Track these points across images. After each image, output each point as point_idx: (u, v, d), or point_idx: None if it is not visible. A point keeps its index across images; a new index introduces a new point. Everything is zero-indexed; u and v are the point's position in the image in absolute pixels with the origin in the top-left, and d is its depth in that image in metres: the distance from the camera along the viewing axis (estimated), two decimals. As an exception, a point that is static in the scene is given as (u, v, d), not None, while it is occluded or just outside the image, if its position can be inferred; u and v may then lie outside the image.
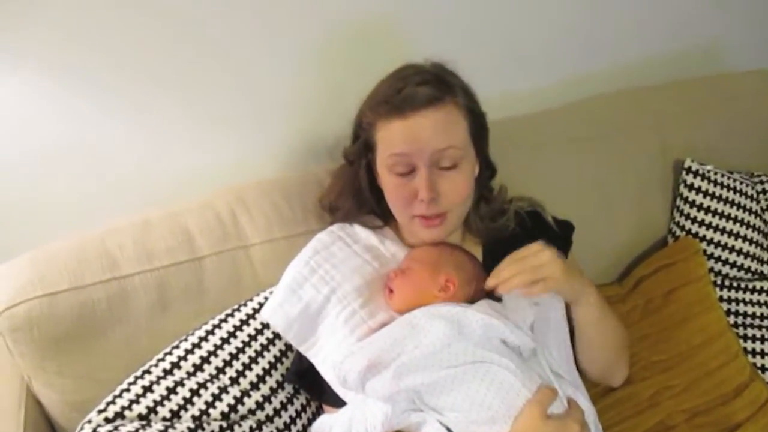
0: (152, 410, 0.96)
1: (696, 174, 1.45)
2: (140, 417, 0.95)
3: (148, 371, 1.02)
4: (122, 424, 0.92)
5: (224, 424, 0.98)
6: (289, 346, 1.10)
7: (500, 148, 1.16)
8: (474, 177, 1.09)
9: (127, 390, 0.99)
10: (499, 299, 1.03)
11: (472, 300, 1.02)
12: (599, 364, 1.07)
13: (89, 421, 0.94)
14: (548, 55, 1.63)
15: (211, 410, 0.99)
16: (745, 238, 1.44)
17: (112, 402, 0.97)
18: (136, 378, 1.01)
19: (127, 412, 0.95)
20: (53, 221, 1.24)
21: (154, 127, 1.28)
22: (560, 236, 1.17)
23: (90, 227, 1.16)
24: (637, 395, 1.28)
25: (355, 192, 1.14)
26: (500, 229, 1.14)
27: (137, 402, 0.97)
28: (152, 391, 0.99)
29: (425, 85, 1.00)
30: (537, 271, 0.96)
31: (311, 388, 1.07)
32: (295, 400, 1.07)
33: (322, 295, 1.04)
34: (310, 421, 1.07)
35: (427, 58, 1.07)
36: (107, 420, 0.94)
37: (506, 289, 0.97)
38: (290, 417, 1.06)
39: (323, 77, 1.38)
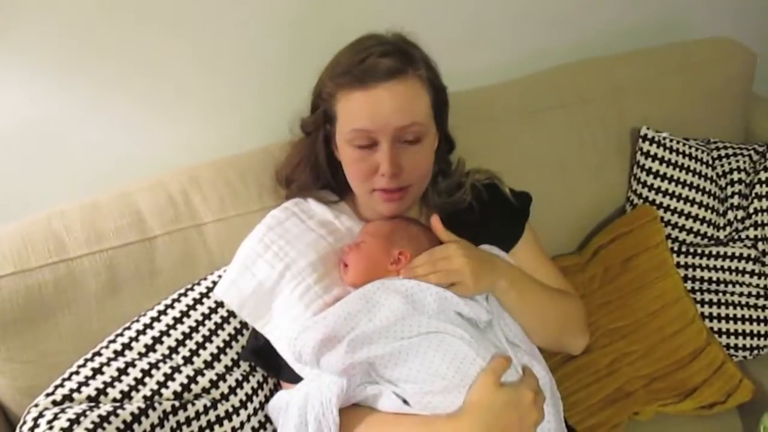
0: (102, 392, 0.95)
1: (652, 141, 1.45)
2: (89, 399, 0.94)
3: (98, 353, 1.01)
4: (69, 406, 0.91)
5: (177, 403, 0.97)
6: (243, 324, 1.09)
7: (458, 120, 1.15)
8: (434, 151, 1.08)
9: (77, 372, 0.98)
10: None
11: (427, 272, 1.02)
12: (542, 337, 1.07)
13: (36, 405, 0.93)
14: (508, 29, 1.62)
15: (163, 390, 0.98)
16: (701, 205, 1.44)
17: (61, 385, 0.96)
18: (86, 360, 1.00)
19: (75, 395, 0.94)
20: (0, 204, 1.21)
21: (106, 107, 1.25)
22: (518, 208, 1.17)
23: (40, 210, 1.13)
24: (596, 362, 1.30)
25: (311, 164, 1.12)
26: (457, 202, 1.13)
27: (86, 384, 0.95)
28: (102, 373, 0.97)
29: (388, 57, 0.98)
30: (449, 275, 0.97)
31: (268, 365, 1.07)
32: (251, 378, 1.06)
33: (277, 272, 1.02)
34: (267, 398, 1.07)
35: (388, 29, 1.05)
36: (55, 403, 0.92)
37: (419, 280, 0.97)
38: (246, 395, 1.05)
39: (280, 52, 1.36)
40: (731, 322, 1.39)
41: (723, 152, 1.54)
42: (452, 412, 0.90)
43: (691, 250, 1.45)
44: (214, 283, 1.09)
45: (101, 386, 0.95)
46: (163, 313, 1.06)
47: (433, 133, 1.06)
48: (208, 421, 1.00)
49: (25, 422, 0.90)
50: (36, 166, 1.24)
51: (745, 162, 1.51)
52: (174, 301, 1.08)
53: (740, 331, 1.39)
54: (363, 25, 1.07)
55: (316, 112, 1.08)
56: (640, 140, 1.47)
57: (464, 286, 0.97)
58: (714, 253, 1.45)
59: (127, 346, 1.01)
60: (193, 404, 0.99)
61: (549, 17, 1.66)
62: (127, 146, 1.30)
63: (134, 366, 0.99)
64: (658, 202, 1.45)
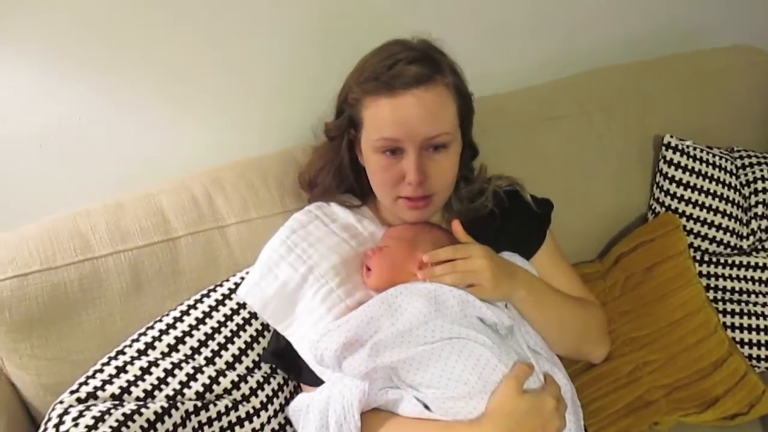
0: (126, 390, 0.96)
1: (675, 149, 1.44)
2: (113, 397, 0.94)
3: (122, 352, 1.02)
4: (94, 404, 0.91)
5: (199, 404, 0.98)
6: (265, 326, 1.09)
7: (481, 126, 1.15)
8: (459, 159, 1.07)
9: (101, 371, 0.98)
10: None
11: (450, 277, 1.02)
12: (560, 346, 1.07)
13: (61, 402, 0.93)
14: (530, 35, 1.63)
15: (185, 390, 0.98)
16: (724, 214, 1.43)
17: (85, 383, 0.96)
18: (110, 359, 1.00)
19: (99, 393, 0.95)
20: (26, 204, 1.22)
21: (131, 109, 1.26)
22: (539, 214, 1.17)
23: (63, 210, 1.15)
24: (617, 371, 1.29)
25: (335, 169, 1.13)
26: (478, 208, 1.13)
27: (110, 382, 0.96)
28: (126, 372, 0.98)
29: (415, 63, 0.98)
30: (467, 276, 0.96)
31: (288, 368, 1.07)
32: (272, 380, 1.07)
33: (299, 274, 1.03)
34: (288, 401, 1.07)
35: (413, 34, 1.06)
36: (79, 400, 0.93)
37: (434, 280, 0.96)
38: (267, 396, 1.05)
39: (304, 57, 1.36)
40: (754, 332, 1.38)
41: (747, 161, 1.53)
42: (474, 417, 0.90)
43: (714, 259, 1.44)
44: (237, 284, 1.09)
45: (125, 385, 0.96)
46: (186, 313, 1.07)
47: (459, 141, 1.06)
48: (230, 422, 1.01)
49: (50, 419, 0.91)
50: (62, 167, 1.25)
51: (769, 171, 1.50)
52: (197, 301, 1.08)
53: (763, 341, 1.38)
54: (386, 29, 1.07)
55: (341, 117, 1.08)
56: (663, 148, 1.46)
57: (482, 289, 0.96)
58: (737, 262, 1.44)
59: (150, 346, 1.02)
60: (215, 405, 0.99)
61: (570, 24, 1.66)
62: (152, 148, 1.31)
63: (157, 365, 1.00)
64: (680, 210, 1.44)
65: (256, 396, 1.04)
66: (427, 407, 0.93)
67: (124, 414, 0.89)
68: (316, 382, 1.01)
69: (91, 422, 0.87)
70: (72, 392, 0.95)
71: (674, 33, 1.80)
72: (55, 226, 1.10)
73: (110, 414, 0.88)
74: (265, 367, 1.08)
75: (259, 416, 1.03)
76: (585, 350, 1.16)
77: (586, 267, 1.43)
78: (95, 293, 1.08)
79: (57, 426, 0.88)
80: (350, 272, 1.04)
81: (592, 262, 1.46)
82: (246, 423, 1.02)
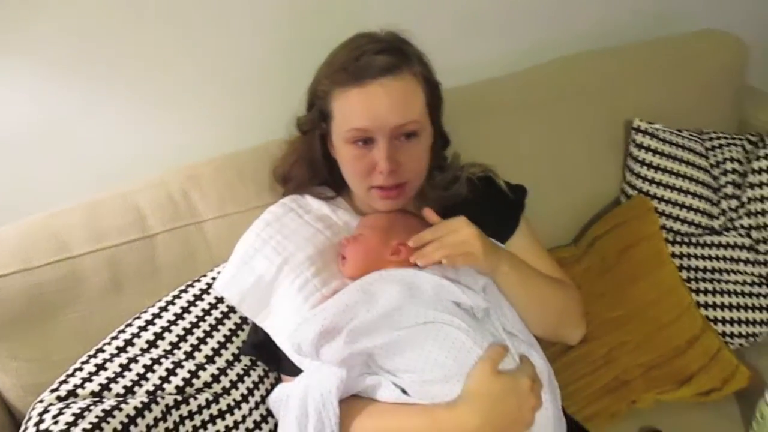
0: (105, 387, 0.96)
1: (645, 133, 1.47)
2: (93, 394, 0.95)
3: (101, 350, 1.02)
4: (74, 402, 0.92)
5: (179, 398, 0.99)
6: (244, 319, 1.10)
7: (453, 115, 1.16)
8: (430, 147, 1.09)
9: (80, 369, 0.99)
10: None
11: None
12: (541, 326, 1.08)
13: (41, 401, 0.94)
14: (501, 24, 1.64)
15: (165, 384, 0.99)
16: (695, 195, 1.46)
17: (65, 381, 0.97)
18: (89, 357, 1.01)
19: (79, 390, 0.95)
20: (1, 206, 1.23)
21: (105, 107, 1.27)
22: (513, 200, 1.18)
23: (41, 210, 1.15)
24: (593, 352, 1.31)
25: (308, 162, 1.14)
26: (453, 196, 1.14)
27: (90, 380, 0.97)
28: (105, 369, 0.99)
29: (382, 54, 1.00)
30: (458, 247, 0.97)
31: (268, 359, 1.08)
32: (252, 372, 1.08)
33: (275, 266, 1.04)
34: (269, 392, 1.08)
35: (381, 27, 1.07)
36: (59, 399, 0.94)
37: (427, 263, 0.97)
38: (247, 389, 1.06)
39: (277, 53, 1.37)
40: (726, 309, 1.40)
41: (716, 142, 1.55)
42: (451, 400, 0.91)
43: (686, 239, 1.46)
44: (214, 279, 1.10)
45: (105, 382, 0.97)
46: (165, 309, 1.07)
47: (429, 129, 1.07)
48: (210, 415, 1.01)
49: (30, 417, 0.91)
50: (36, 166, 1.26)
51: (738, 152, 1.52)
52: (175, 297, 1.09)
53: (735, 318, 1.40)
54: (358, 23, 1.08)
55: (312, 111, 1.09)
56: (633, 132, 1.48)
57: (474, 257, 0.97)
58: (709, 242, 1.46)
59: (129, 343, 1.03)
60: (195, 398, 1.00)
61: (542, 12, 1.67)
62: (127, 147, 1.32)
63: (137, 362, 1.00)
64: (652, 193, 1.46)
65: (237, 388, 1.05)
66: (404, 392, 0.94)
67: (103, 410, 0.89)
68: (295, 372, 1.02)
69: (71, 419, 0.87)
70: (52, 391, 0.95)
71: (646, 19, 1.82)
72: (32, 227, 1.10)
73: (90, 410, 0.89)
74: (245, 360, 1.09)
75: (240, 408, 1.04)
76: (563, 331, 1.18)
77: (561, 251, 1.45)
78: (73, 293, 1.08)
79: (37, 425, 0.88)
80: (326, 262, 1.05)
81: (567, 247, 1.49)
82: (227, 415, 1.03)
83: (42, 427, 0.88)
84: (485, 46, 1.63)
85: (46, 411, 0.90)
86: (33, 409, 0.93)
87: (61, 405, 0.91)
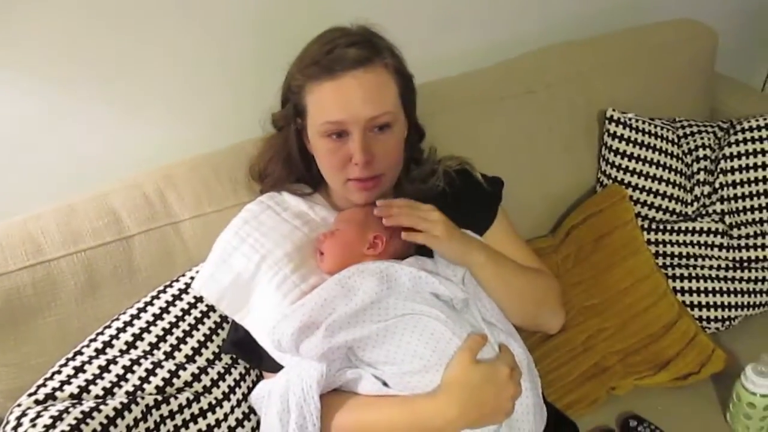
0: (84, 389, 0.96)
1: (618, 122, 1.48)
2: (72, 397, 0.94)
3: (79, 352, 1.02)
4: (52, 404, 0.91)
5: (159, 398, 0.98)
6: (224, 318, 1.10)
7: (429, 109, 1.18)
8: (404, 139, 1.09)
9: (59, 372, 0.98)
10: (430, 255, 1.05)
11: (402, 256, 1.04)
12: (519, 316, 1.09)
13: (19, 405, 0.93)
14: (476, 18, 1.65)
15: (145, 385, 0.99)
16: (668, 182, 1.48)
17: (43, 384, 0.96)
18: (68, 360, 1.00)
19: (58, 393, 0.95)
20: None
21: (77, 110, 1.26)
22: (490, 192, 1.19)
23: (14, 214, 1.13)
24: (572, 340, 1.32)
25: (284, 158, 1.14)
26: (430, 189, 1.15)
27: (68, 383, 0.96)
28: (84, 371, 0.98)
29: (354, 46, 1.00)
30: (422, 222, 1.00)
31: (249, 357, 1.08)
32: (233, 370, 1.08)
33: (253, 263, 1.04)
34: (250, 390, 1.07)
35: (352, 22, 1.07)
36: (37, 402, 0.93)
37: (390, 221, 1.00)
38: (228, 387, 1.06)
39: (248, 50, 1.37)
40: (702, 295, 1.43)
41: (688, 130, 1.57)
42: (431, 390, 0.92)
43: (661, 226, 1.48)
44: (193, 278, 1.10)
45: (83, 384, 0.96)
46: (143, 310, 1.07)
47: (402, 121, 1.08)
48: (192, 414, 1.01)
49: (8, 422, 0.90)
50: (8, 169, 1.24)
51: (710, 139, 1.55)
52: (153, 298, 1.09)
53: (711, 303, 1.42)
54: (331, 19, 1.08)
55: (286, 106, 1.09)
56: (607, 122, 1.50)
57: (438, 240, 1.00)
58: (683, 228, 1.48)
59: (108, 344, 1.02)
60: (176, 398, 1.00)
61: (513, 6, 1.69)
62: (101, 149, 1.31)
63: (116, 363, 1.00)
64: (627, 181, 1.48)
65: (218, 387, 1.05)
66: (385, 384, 0.95)
67: (82, 412, 0.89)
68: (277, 368, 1.02)
69: (49, 422, 0.87)
70: (30, 395, 0.95)
71: (619, 9, 1.84)
72: (6, 231, 1.09)
73: (68, 413, 0.88)
74: (226, 359, 1.09)
75: (221, 406, 1.04)
76: (542, 320, 1.19)
77: (539, 242, 1.46)
78: (50, 296, 1.07)
79: (15, 428, 0.88)
80: (304, 258, 1.05)
81: (544, 237, 1.50)
82: (209, 414, 1.03)
83: (20, 430, 0.87)
84: (460, 40, 1.64)
85: (24, 415, 0.90)
86: (11, 413, 0.92)
87: (39, 408, 0.90)
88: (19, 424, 0.88)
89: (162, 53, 1.29)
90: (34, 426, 0.86)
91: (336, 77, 0.99)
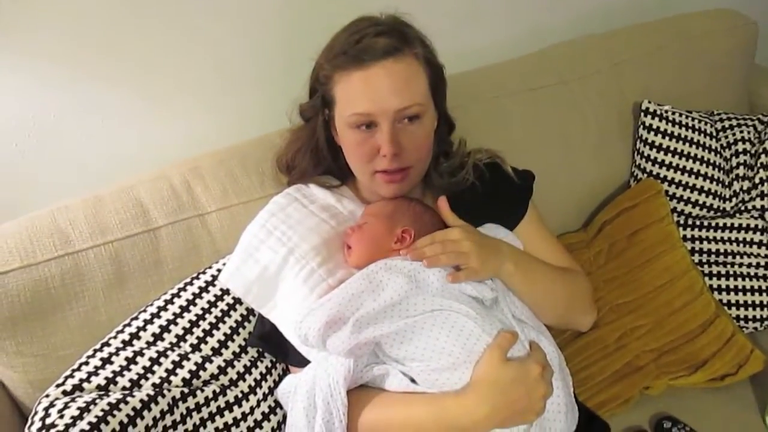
0: (111, 381, 0.96)
1: (654, 115, 1.44)
2: (99, 388, 0.94)
3: (107, 344, 1.02)
4: (79, 395, 0.91)
5: (186, 390, 0.98)
6: (250, 311, 1.09)
7: (459, 100, 1.16)
8: (434, 131, 1.07)
9: (86, 363, 0.98)
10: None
11: (429, 251, 1.02)
12: (550, 316, 1.07)
13: (47, 396, 0.93)
14: (506, 8, 1.62)
15: (172, 377, 0.98)
16: (706, 177, 1.44)
17: (71, 375, 0.96)
18: (95, 351, 1.00)
19: (85, 384, 0.95)
20: (3, 202, 1.23)
21: (106, 103, 1.26)
22: (521, 186, 1.17)
23: (43, 206, 1.14)
24: (605, 338, 1.29)
25: (312, 150, 1.12)
26: (459, 182, 1.13)
27: (96, 374, 0.96)
28: (111, 363, 0.98)
29: (383, 36, 0.98)
30: (458, 257, 0.96)
31: (275, 350, 1.07)
32: (259, 364, 1.07)
33: (280, 257, 1.03)
34: (276, 384, 1.07)
35: (381, 11, 1.05)
36: (65, 393, 0.93)
37: (434, 265, 0.96)
38: (255, 380, 1.05)
39: (275, 42, 1.36)
40: (740, 293, 1.39)
41: (727, 123, 1.53)
42: (459, 388, 0.90)
43: (698, 222, 1.44)
44: (219, 271, 1.09)
45: (110, 375, 0.96)
46: (170, 302, 1.07)
47: (432, 113, 1.06)
48: (218, 407, 1.01)
49: (36, 412, 0.91)
50: (38, 163, 1.25)
51: (749, 132, 1.50)
52: (180, 290, 1.08)
53: (749, 302, 1.38)
54: (358, 8, 1.06)
55: (314, 97, 1.08)
56: (642, 114, 1.46)
57: (472, 271, 0.96)
58: (721, 225, 1.44)
59: (135, 336, 1.02)
60: (202, 391, 1.00)
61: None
62: (130, 143, 1.32)
63: (142, 355, 1.00)
64: (662, 175, 1.44)
65: (244, 380, 1.04)
66: (413, 381, 0.93)
67: (109, 403, 0.89)
68: (303, 363, 1.01)
69: (76, 413, 0.87)
70: (58, 386, 0.95)
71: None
72: (34, 222, 1.10)
73: (95, 404, 0.88)
74: (252, 352, 1.08)
75: (248, 400, 1.04)
76: (572, 318, 1.17)
77: (570, 237, 1.43)
78: (78, 287, 1.08)
79: (43, 419, 0.88)
80: (331, 252, 1.04)
81: (576, 232, 1.47)
82: (235, 407, 1.02)
83: (48, 421, 0.87)
84: (489, 31, 1.62)
85: (51, 405, 0.90)
86: (39, 403, 0.92)
87: (66, 399, 0.90)
88: (47, 415, 0.88)
89: (190, 46, 1.29)
90: (61, 417, 0.86)
91: (365, 67, 0.98)
